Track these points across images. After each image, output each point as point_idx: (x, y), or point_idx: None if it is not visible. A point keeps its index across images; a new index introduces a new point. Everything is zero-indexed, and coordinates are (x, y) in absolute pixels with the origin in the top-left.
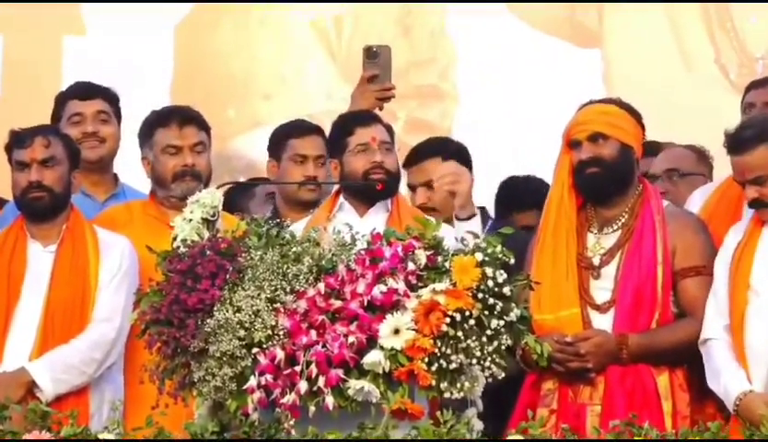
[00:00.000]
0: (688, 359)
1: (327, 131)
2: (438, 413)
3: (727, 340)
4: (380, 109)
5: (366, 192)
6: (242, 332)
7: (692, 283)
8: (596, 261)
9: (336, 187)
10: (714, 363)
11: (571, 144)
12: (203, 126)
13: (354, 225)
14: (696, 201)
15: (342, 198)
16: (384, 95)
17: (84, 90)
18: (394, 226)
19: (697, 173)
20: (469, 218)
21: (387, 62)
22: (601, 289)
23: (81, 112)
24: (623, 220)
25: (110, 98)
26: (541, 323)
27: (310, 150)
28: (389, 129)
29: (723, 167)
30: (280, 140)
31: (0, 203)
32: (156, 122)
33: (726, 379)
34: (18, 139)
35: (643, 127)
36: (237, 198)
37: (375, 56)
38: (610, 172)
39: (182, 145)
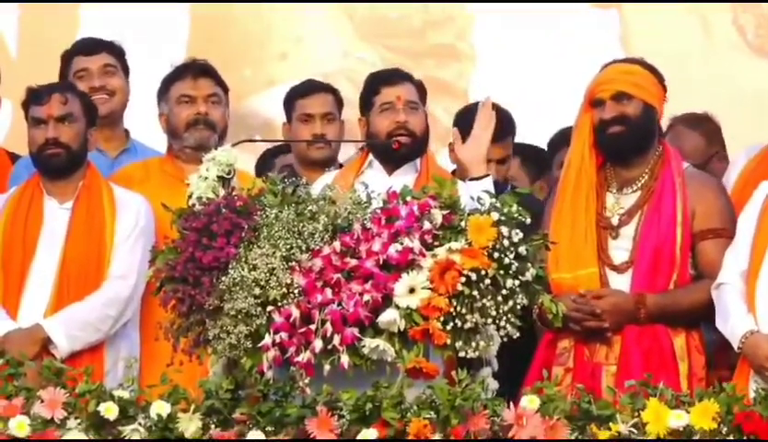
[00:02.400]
0: (705, 321)
1: (343, 90)
2: (453, 373)
3: (741, 287)
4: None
5: (387, 152)
6: (257, 290)
7: (710, 245)
8: (614, 221)
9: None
10: (723, 304)
11: (593, 102)
12: (219, 81)
13: (383, 183)
14: (741, 160)
15: (371, 155)
16: None
17: (88, 46)
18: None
19: (710, 156)
20: (482, 178)
21: None
22: (619, 249)
23: (87, 67)
24: (643, 181)
25: (116, 51)
26: (558, 282)
27: (317, 108)
28: (421, 87)
29: (747, 128)
30: (289, 102)
31: (12, 159)
32: (172, 77)
33: (733, 320)
34: (36, 96)
35: (665, 88)
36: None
37: None
38: (634, 131)
39: (196, 96)
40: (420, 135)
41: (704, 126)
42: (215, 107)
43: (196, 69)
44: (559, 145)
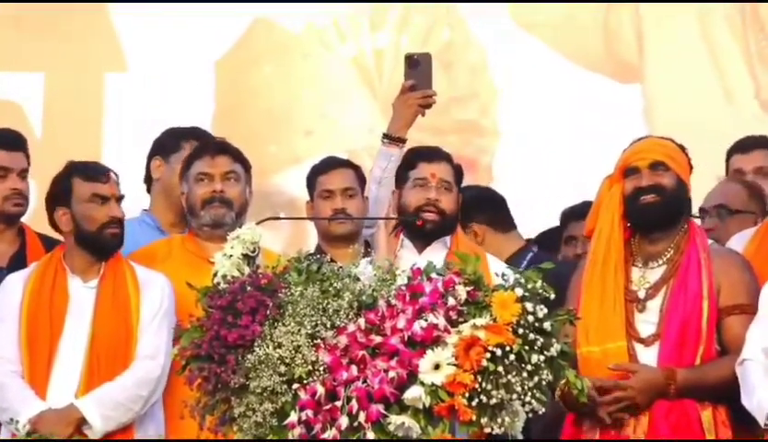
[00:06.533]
0: (731, 396)
1: (368, 166)
2: None
3: (765, 362)
4: (422, 115)
5: (412, 228)
6: (283, 368)
7: (736, 320)
8: (641, 294)
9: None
10: (749, 380)
11: (628, 171)
12: (239, 159)
13: (413, 262)
14: (735, 247)
15: (402, 235)
16: (426, 102)
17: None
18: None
19: (747, 211)
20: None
21: (427, 69)
22: (646, 323)
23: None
24: (669, 255)
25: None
26: (587, 356)
27: (336, 184)
28: (459, 169)
29: None
30: (310, 180)
31: (43, 240)
32: (192, 156)
33: (759, 396)
34: (95, 172)
35: (691, 167)
36: None
37: (416, 64)
38: (668, 202)
39: (213, 173)
40: (449, 215)
41: (754, 189)
42: (232, 184)
43: (214, 147)
44: (569, 220)
